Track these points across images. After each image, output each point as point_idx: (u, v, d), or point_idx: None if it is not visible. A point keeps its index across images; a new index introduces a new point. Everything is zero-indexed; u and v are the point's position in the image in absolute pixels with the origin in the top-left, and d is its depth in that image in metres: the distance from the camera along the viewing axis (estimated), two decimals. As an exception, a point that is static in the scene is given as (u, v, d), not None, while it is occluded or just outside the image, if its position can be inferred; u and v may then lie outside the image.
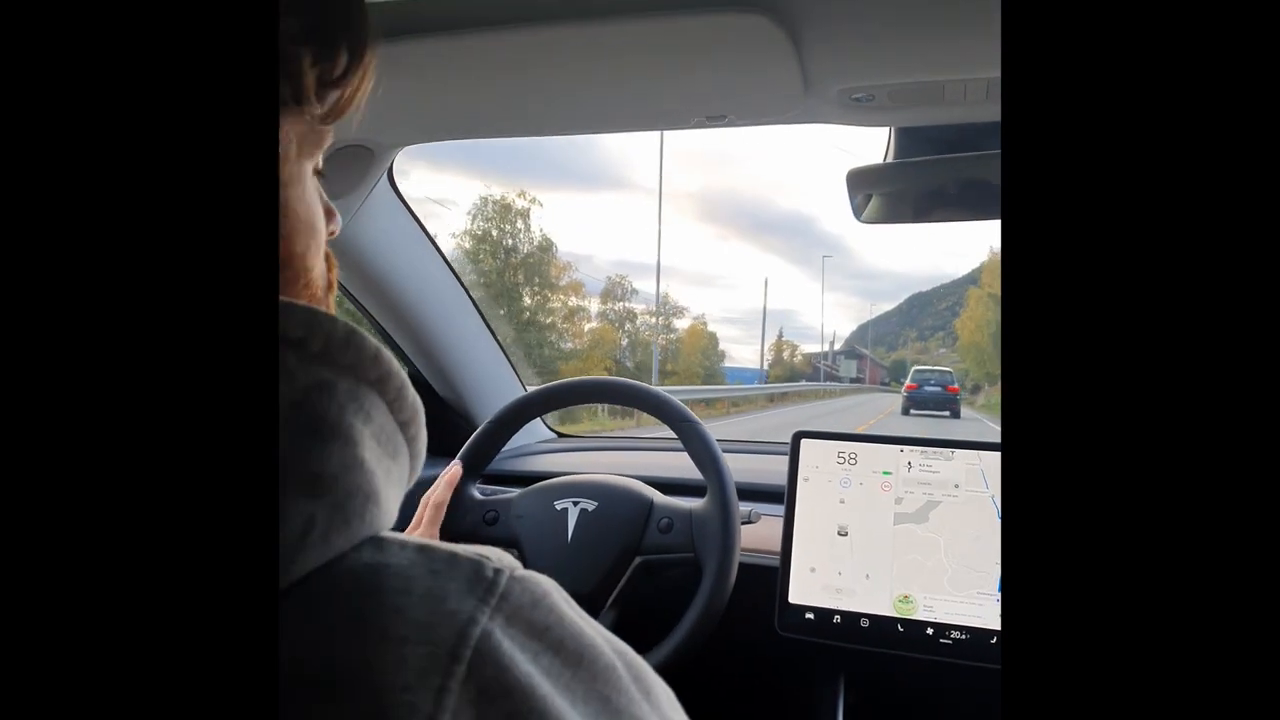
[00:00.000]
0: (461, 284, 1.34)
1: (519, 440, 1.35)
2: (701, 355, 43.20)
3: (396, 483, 0.36)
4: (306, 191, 0.39)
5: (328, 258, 0.41)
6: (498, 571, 0.32)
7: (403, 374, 0.36)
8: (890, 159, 0.83)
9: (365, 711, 0.27)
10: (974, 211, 0.83)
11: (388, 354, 0.35)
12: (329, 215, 0.41)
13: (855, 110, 0.74)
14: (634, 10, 0.61)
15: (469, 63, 0.69)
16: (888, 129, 0.83)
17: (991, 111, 0.73)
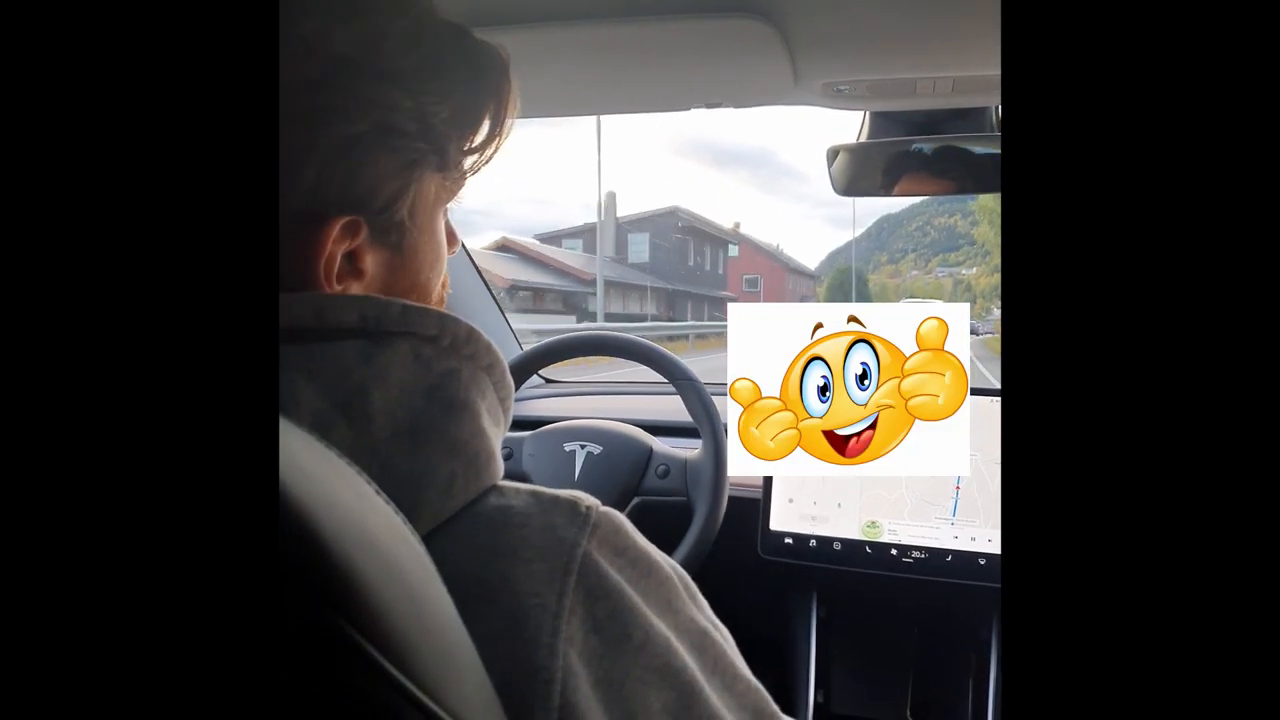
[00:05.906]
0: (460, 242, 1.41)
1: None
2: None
3: (499, 443, 0.46)
4: (437, 232, 0.47)
5: (444, 280, 0.50)
6: (589, 508, 0.42)
7: (504, 361, 0.45)
8: (864, 138, 0.93)
9: (511, 610, 0.38)
10: (937, 185, 0.93)
11: (495, 346, 0.44)
12: (451, 239, 0.50)
13: (837, 99, 0.83)
14: (649, 13, 0.69)
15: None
16: (863, 112, 0.93)
17: (955, 101, 0.83)
